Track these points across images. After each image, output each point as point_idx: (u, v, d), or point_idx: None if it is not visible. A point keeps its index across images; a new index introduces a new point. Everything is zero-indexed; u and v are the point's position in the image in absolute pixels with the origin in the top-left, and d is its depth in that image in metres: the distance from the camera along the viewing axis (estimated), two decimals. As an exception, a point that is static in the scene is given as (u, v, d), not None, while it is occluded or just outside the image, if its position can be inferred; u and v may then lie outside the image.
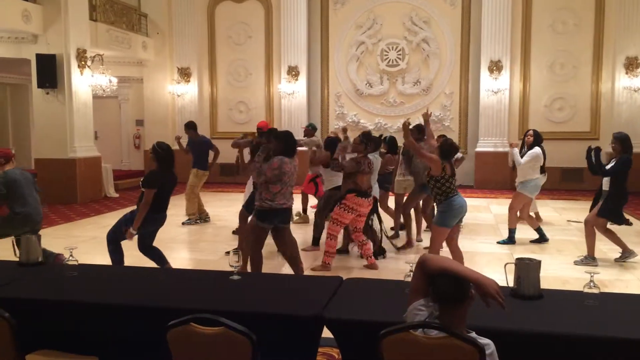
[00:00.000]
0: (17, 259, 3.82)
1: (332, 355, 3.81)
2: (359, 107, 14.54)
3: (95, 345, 3.08)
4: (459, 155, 6.61)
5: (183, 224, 8.95)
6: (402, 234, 7.71)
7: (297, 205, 6.87)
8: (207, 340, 2.39)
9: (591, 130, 13.31)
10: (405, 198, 7.71)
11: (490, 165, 13.07)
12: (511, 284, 3.11)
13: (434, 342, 2.21)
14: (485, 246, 7.49)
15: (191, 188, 8.99)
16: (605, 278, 5.64)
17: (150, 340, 2.71)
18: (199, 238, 8.30)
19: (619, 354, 2.53)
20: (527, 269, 3.04)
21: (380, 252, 6.72)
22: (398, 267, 6.29)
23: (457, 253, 5.54)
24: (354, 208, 6.16)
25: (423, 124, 6.90)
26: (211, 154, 9.11)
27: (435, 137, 6.99)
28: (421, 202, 7.63)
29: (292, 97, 14.45)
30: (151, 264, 5.46)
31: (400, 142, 7.40)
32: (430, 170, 5.30)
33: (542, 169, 7.55)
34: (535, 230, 7.64)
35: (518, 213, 7.64)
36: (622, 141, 6.26)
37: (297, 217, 8.85)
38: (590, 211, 6.67)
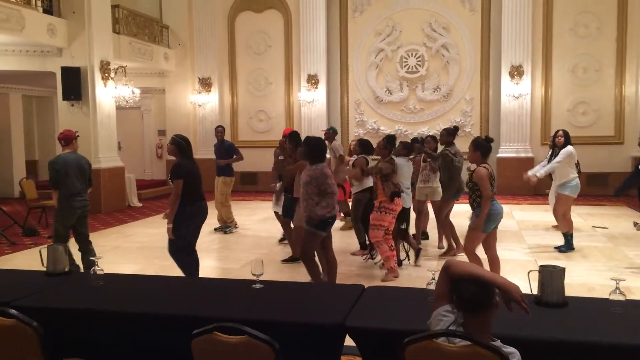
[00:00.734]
0: (45, 269, 3.89)
1: (355, 363, 3.80)
2: (378, 114, 14.53)
3: (120, 354, 3.12)
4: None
5: (223, 231, 9.11)
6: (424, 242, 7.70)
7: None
8: (230, 349, 2.40)
9: (615, 134, 13.12)
10: (421, 204, 7.72)
11: (513, 170, 12.90)
12: (535, 292, 3.07)
13: (457, 350, 2.19)
14: (508, 253, 7.40)
15: (224, 196, 9.13)
16: (632, 285, 5.53)
17: (175, 348, 2.74)
18: (222, 246, 8.36)
19: (646, 362, 2.48)
20: (551, 276, 3.00)
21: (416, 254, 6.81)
22: (420, 274, 6.25)
23: (495, 261, 5.36)
24: (395, 209, 6.17)
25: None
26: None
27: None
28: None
29: (311, 105, 14.52)
30: (177, 272, 5.41)
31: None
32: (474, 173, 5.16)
33: (579, 170, 7.48)
34: (563, 234, 7.50)
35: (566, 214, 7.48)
36: None
37: (344, 223, 8.91)
38: None
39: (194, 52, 15.22)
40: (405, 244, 6.84)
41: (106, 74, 11.57)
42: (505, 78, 13.32)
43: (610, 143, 13.03)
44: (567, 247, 7.34)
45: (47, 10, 10.92)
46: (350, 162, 7.62)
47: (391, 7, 14.19)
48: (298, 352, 2.75)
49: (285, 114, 15.05)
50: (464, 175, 6.86)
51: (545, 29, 13.33)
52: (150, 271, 5.49)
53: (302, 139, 5.73)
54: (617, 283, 2.93)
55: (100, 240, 8.87)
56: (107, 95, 11.73)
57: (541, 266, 3.10)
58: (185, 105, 15.36)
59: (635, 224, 7.89)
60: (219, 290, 3.59)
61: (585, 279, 6.05)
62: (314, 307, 3.17)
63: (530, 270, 3.18)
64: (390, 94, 14.37)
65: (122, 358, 3.08)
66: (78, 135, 6.29)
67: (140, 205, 12.64)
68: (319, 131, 12.89)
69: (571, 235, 7.39)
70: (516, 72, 13.19)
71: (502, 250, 7.50)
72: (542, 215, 10.00)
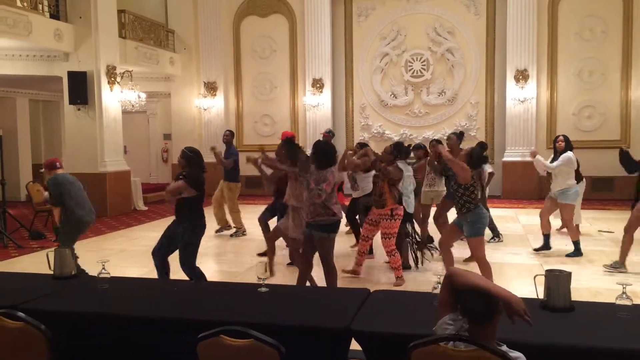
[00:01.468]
0: (51, 272, 3.91)
1: (360, 367, 3.79)
2: (383, 118, 14.53)
3: (126, 357, 3.13)
4: (486, 167, 6.61)
5: (231, 235, 9.17)
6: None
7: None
8: (236, 352, 2.41)
9: (621, 138, 13.05)
10: (426, 208, 7.72)
11: (518, 174, 12.92)
12: (541, 296, 3.07)
13: (463, 355, 2.19)
14: (514, 257, 7.39)
15: (232, 202, 9.21)
16: (639, 289, 5.51)
17: (181, 352, 2.75)
18: (226, 250, 8.37)
19: (653, 367, 2.48)
20: (557, 281, 3.00)
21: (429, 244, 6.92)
22: (425, 278, 6.24)
23: (451, 258, 5.66)
24: (401, 215, 6.19)
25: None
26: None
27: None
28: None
29: (316, 109, 14.53)
30: (182, 276, 5.44)
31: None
32: (459, 179, 5.27)
33: (579, 176, 7.44)
34: (572, 238, 7.47)
35: (574, 222, 7.51)
36: None
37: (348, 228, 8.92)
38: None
39: (200, 56, 15.27)
40: (413, 249, 6.80)
41: (112, 79, 11.62)
42: (510, 82, 13.30)
43: (616, 147, 12.76)
44: (576, 253, 7.33)
45: (54, 16, 10.97)
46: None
47: (396, 12, 14.20)
48: (304, 356, 2.76)
49: (290, 118, 15.06)
50: None
51: (550, 32, 13.30)
52: (156, 274, 5.51)
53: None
54: (623, 287, 2.93)
55: (106, 243, 8.92)
56: (113, 99, 11.79)
57: (547, 270, 3.10)
58: (190, 109, 15.41)
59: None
60: (225, 294, 3.60)
61: (591, 284, 6.02)
62: (319, 310, 3.17)
63: (537, 275, 3.17)
64: (395, 98, 14.37)
65: (128, 361, 3.09)
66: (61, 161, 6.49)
67: (146, 208, 12.68)
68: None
69: (578, 242, 7.38)
70: (521, 76, 13.17)
71: (508, 254, 7.53)
72: (547, 219, 9.94)
